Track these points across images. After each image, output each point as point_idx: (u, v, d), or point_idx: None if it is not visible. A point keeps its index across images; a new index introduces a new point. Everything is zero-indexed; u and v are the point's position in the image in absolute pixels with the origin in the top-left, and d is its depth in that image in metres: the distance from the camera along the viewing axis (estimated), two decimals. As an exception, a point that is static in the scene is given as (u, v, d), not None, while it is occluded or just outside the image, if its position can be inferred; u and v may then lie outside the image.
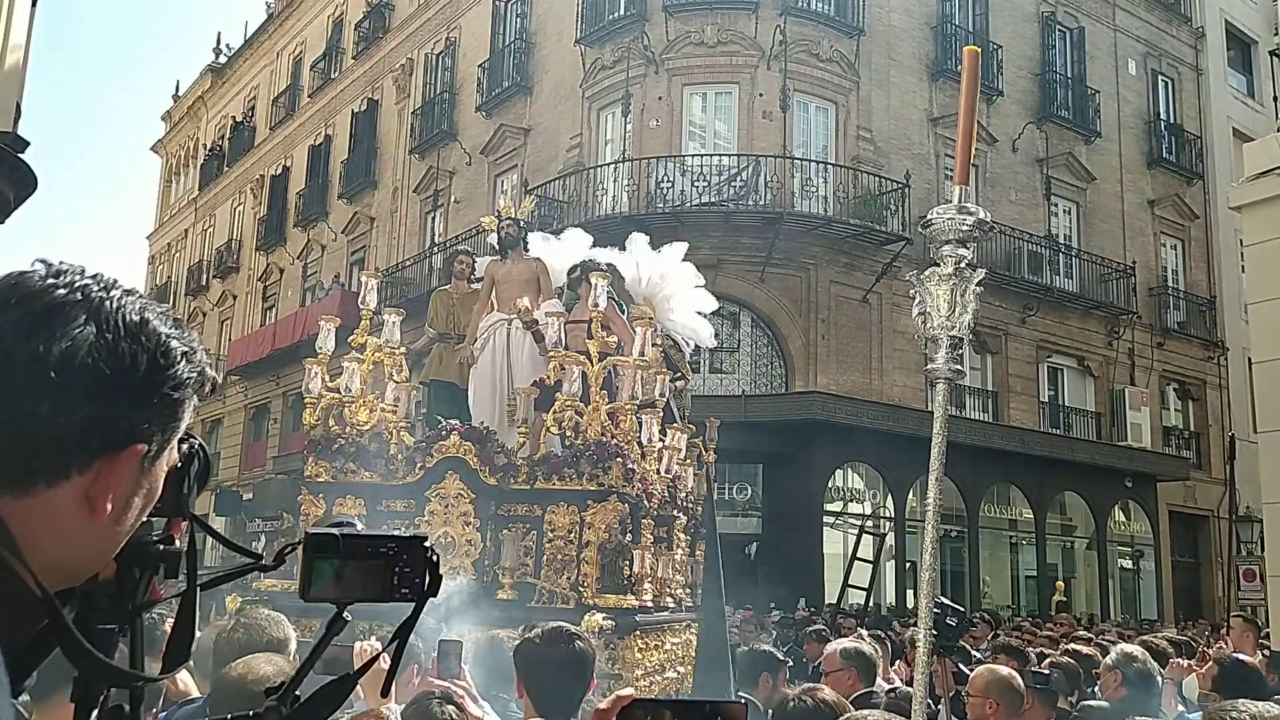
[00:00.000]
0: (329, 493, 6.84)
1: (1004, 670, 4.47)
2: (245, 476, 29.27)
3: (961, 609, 5.10)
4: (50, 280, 0.92)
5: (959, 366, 3.61)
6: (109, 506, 0.91)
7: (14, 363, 0.87)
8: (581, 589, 6.26)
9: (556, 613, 5.72)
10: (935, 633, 6.83)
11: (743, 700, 1.07)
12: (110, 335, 0.90)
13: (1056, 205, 22.85)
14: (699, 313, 9.06)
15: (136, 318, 0.93)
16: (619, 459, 6.51)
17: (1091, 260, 22.61)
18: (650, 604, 6.74)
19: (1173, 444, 24.11)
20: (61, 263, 0.95)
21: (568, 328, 7.48)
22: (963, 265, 3.54)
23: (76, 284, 0.92)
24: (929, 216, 3.66)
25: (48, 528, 0.89)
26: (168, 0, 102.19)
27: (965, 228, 3.60)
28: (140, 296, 0.95)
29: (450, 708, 2.89)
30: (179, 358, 0.95)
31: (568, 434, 6.65)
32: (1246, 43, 27.87)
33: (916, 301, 3.58)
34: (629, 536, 6.53)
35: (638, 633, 6.28)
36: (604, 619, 5.80)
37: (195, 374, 0.97)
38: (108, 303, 0.92)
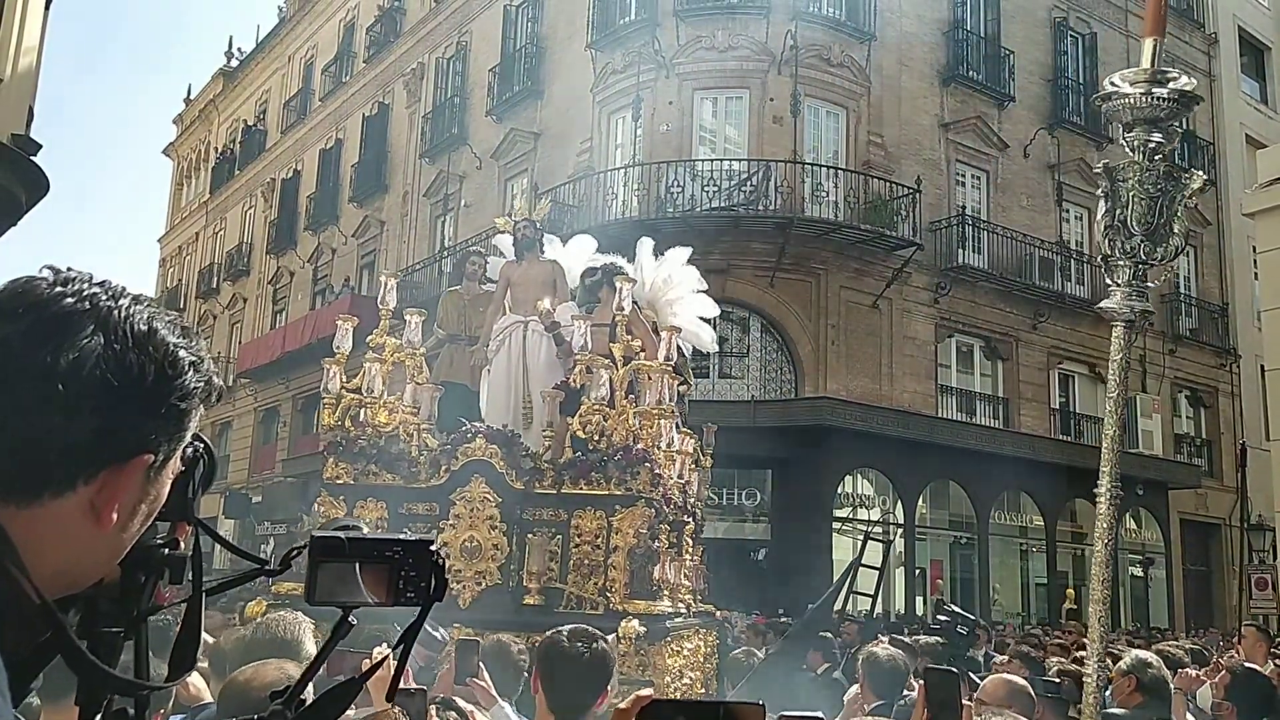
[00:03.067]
0: (350, 495, 6.78)
1: (1011, 677, 4.44)
2: (254, 479, 29.35)
3: (972, 617, 5.07)
4: (58, 289, 0.91)
5: (1145, 304, 2.68)
6: (115, 516, 0.91)
7: (21, 374, 0.86)
8: (609, 594, 6.24)
9: (585, 618, 5.70)
10: (944, 642, 6.73)
11: (760, 703, 1.06)
12: (118, 345, 0.90)
13: (1068, 211, 22.78)
14: (701, 317, 9.03)
15: (144, 327, 0.92)
16: (647, 464, 6.48)
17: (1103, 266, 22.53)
18: (670, 609, 6.73)
19: (1184, 451, 24.01)
20: (69, 269, 0.94)
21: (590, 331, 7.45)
22: (1160, 157, 2.54)
23: (84, 292, 0.91)
24: (1107, 85, 2.62)
25: (52, 538, 0.88)
26: (180, 3, 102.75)
27: (1160, 102, 2.55)
28: (148, 305, 0.95)
29: (451, 713, 2.89)
30: (186, 368, 0.94)
31: (594, 438, 6.61)
32: (1259, 49, 27.76)
33: (1104, 211, 2.64)
34: (656, 542, 6.51)
35: (667, 638, 6.27)
36: (639, 625, 5.79)
37: (202, 384, 0.96)
38: (116, 312, 0.91)
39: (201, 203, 38.30)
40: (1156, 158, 2.55)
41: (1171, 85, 2.53)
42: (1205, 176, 2.73)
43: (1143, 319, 2.76)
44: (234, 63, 37.87)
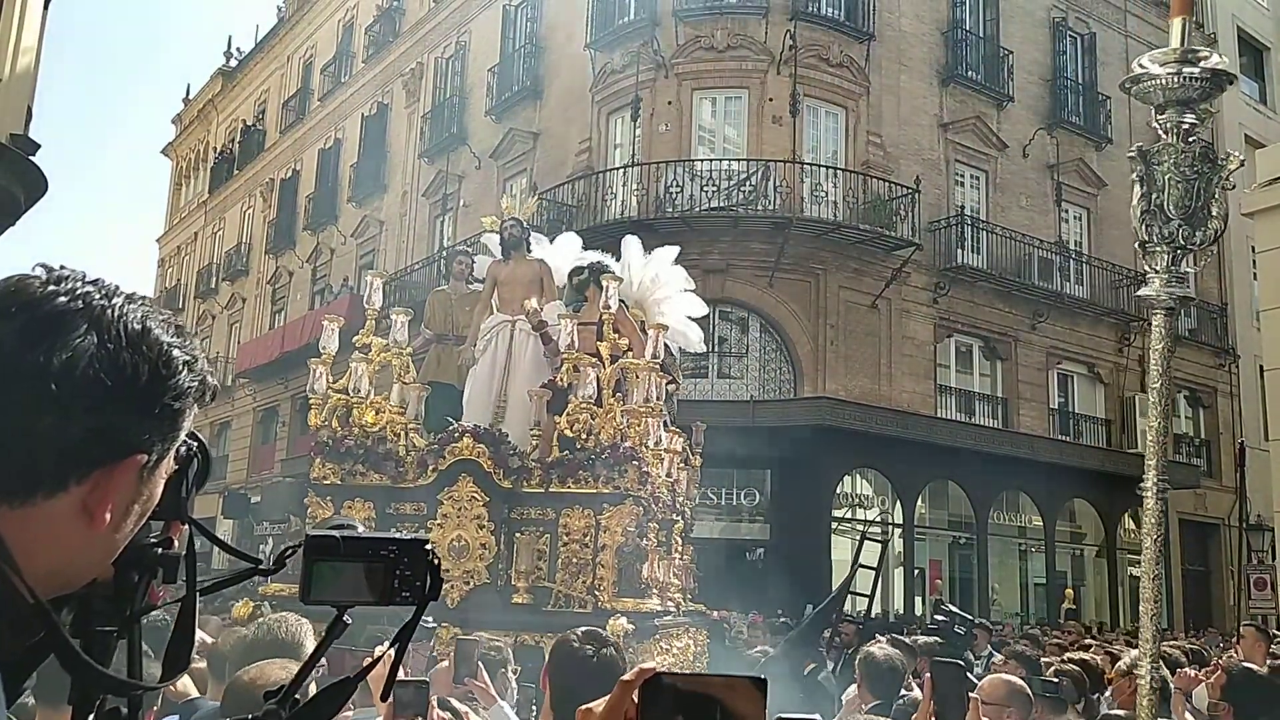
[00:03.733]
0: (337, 495, 6.79)
1: (1010, 677, 4.45)
2: (253, 479, 29.33)
3: (970, 617, 5.07)
4: (51, 287, 0.90)
5: (1186, 290, 2.57)
6: (108, 517, 0.90)
7: (14, 373, 0.86)
8: (598, 593, 6.24)
9: (574, 617, 5.70)
10: (941, 641, 6.72)
11: (763, 677, 1.07)
12: (112, 345, 0.89)
13: (1067, 211, 22.78)
14: (689, 316, 9.02)
15: (138, 326, 0.91)
16: (635, 462, 6.48)
17: (1102, 267, 22.54)
18: (659, 608, 6.73)
19: (1183, 452, 24.00)
20: (62, 268, 0.93)
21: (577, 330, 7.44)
22: (1195, 140, 2.48)
23: (78, 291, 0.90)
24: (1137, 67, 2.55)
25: (45, 538, 0.88)
26: (179, 3, 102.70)
27: (1192, 82, 2.45)
28: (142, 303, 0.94)
29: (445, 714, 2.89)
30: (180, 367, 0.93)
31: (581, 437, 6.61)
32: (1258, 49, 27.79)
33: (1139, 196, 2.58)
34: (645, 540, 6.52)
35: (655, 636, 6.27)
36: (627, 623, 5.79)
37: (196, 383, 0.95)
38: (109, 311, 0.90)
39: (200, 203, 38.28)
40: (1190, 139, 2.47)
41: (1203, 64, 2.44)
42: (1241, 156, 2.63)
43: (1183, 304, 2.68)
44: (233, 62, 37.85)
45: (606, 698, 1.06)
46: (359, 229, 27.66)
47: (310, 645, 3.03)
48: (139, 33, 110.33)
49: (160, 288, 39.59)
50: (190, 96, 41.05)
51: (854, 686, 5.61)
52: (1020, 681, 4.38)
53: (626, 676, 1.06)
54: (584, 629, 2.97)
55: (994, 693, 4.10)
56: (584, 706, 1.08)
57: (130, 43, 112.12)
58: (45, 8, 9.36)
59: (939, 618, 8.39)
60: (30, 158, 8.36)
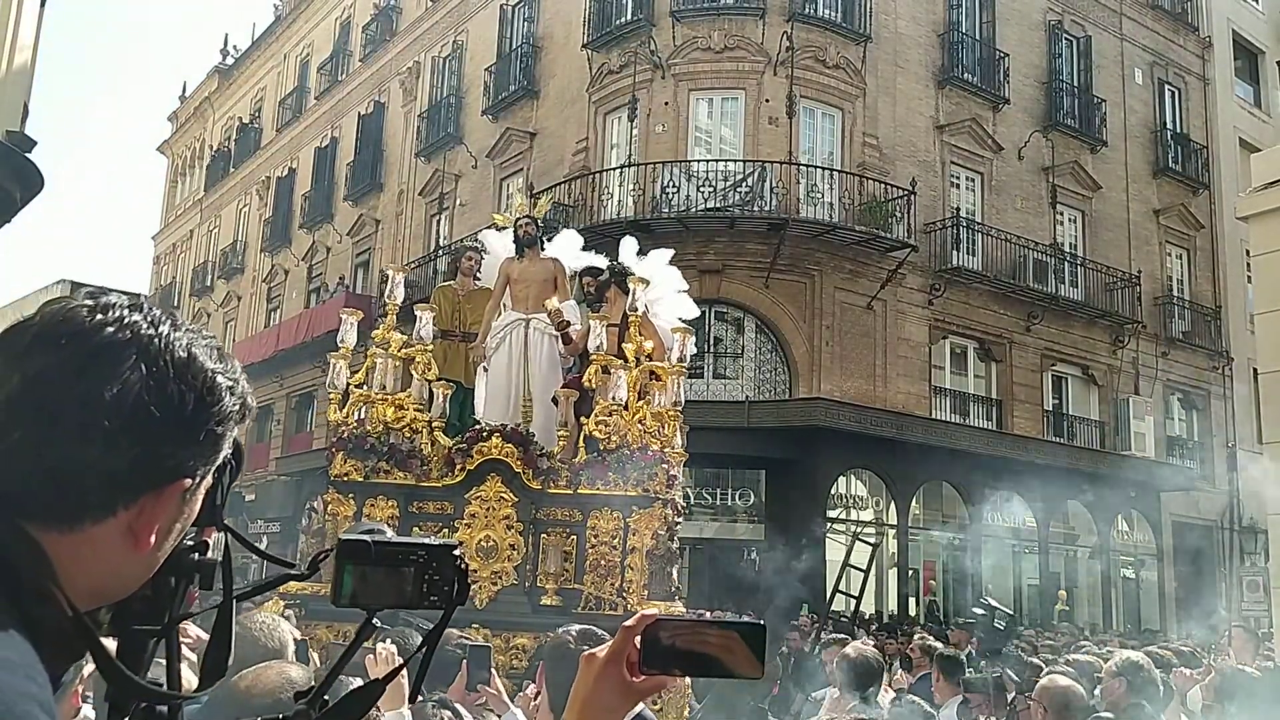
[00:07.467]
0: (360, 493, 6.68)
1: (1064, 681, 4.46)
2: (248, 478, 29.28)
3: (1011, 612, 5.07)
4: (99, 316, 0.91)
5: None
6: (153, 539, 0.92)
7: (64, 405, 0.87)
8: (627, 595, 6.22)
9: (605, 619, 5.72)
10: (933, 644, 6.74)
11: (761, 621, 1.13)
12: (160, 376, 0.91)
13: (1062, 214, 22.82)
14: (681, 319, 9.02)
15: (184, 354, 0.93)
16: (664, 465, 6.47)
17: (1096, 269, 22.59)
18: (684, 611, 6.74)
19: (1177, 454, 24.06)
20: (106, 292, 0.95)
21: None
22: None
23: (125, 320, 0.92)
24: None
25: (91, 561, 0.90)
26: (176, 1, 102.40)
27: None
28: (188, 329, 0.96)
29: (446, 713, 2.91)
30: (224, 393, 0.95)
31: (612, 439, 6.57)
32: (1254, 53, 27.87)
33: None
34: (674, 543, 6.50)
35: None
36: None
37: (238, 406, 0.98)
38: (156, 340, 0.92)
39: (196, 200, 38.19)
40: None
41: None
42: None
43: None
44: (229, 60, 37.76)
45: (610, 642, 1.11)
46: (355, 227, 27.63)
47: (290, 643, 3.03)
48: (136, 30, 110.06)
49: (155, 285, 39.51)
50: (186, 94, 40.96)
51: (831, 689, 5.62)
52: (1069, 684, 4.36)
53: (629, 622, 1.11)
54: (579, 627, 2.98)
55: (1039, 691, 4.14)
56: (588, 652, 1.13)
57: (127, 40, 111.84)
58: (42, 4, 9.34)
59: (978, 611, 8.36)
60: (27, 155, 8.35)
